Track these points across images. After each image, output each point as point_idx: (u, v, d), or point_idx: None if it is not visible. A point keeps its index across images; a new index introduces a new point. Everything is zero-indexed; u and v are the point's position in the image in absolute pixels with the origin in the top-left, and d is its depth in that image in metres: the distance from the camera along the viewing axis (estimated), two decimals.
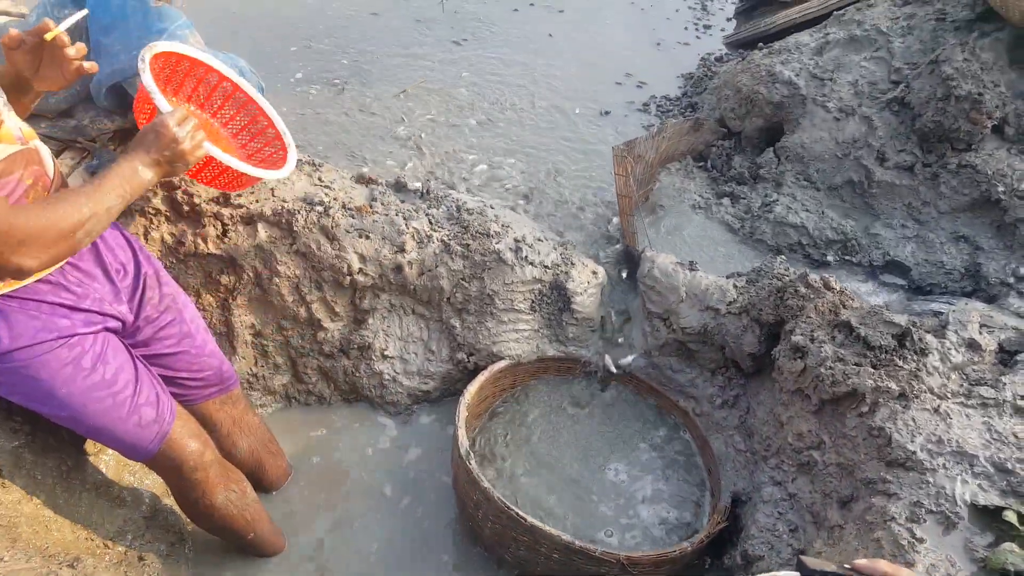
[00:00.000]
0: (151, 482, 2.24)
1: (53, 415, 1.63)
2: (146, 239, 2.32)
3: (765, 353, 2.34)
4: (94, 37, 2.13)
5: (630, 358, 2.67)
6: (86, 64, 1.56)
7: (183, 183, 2.31)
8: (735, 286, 2.48)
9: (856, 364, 1.90)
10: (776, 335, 2.31)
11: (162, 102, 1.74)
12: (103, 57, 2.11)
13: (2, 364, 1.55)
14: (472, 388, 2.46)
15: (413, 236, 2.65)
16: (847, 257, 2.95)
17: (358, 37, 4.51)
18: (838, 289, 2.19)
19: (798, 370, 2.07)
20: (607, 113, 4.05)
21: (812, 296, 2.16)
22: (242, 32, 4.32)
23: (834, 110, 3.16)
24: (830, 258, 2.96)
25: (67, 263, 1.63)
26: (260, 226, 2.46)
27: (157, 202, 2.29)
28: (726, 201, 3.26)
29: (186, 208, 2.32)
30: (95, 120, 2.28)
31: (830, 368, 1.93)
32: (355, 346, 2.69)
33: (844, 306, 2.13)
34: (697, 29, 4.85)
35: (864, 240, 2.96)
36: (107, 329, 1.69)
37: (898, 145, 2.99)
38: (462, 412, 2.32)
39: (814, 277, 2.22)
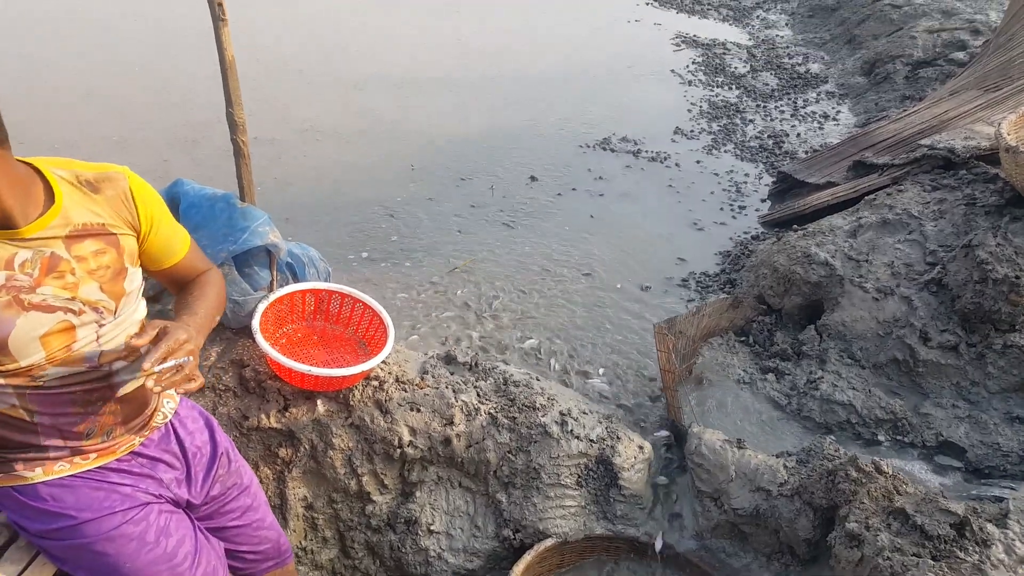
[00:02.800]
0: None
1: None
2: (214, 413, 2.42)
3: (821, 538, 2.29)
4: None
5: (659, 543, 2.60)
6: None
7: (252, 362, 2.45)
8: (785, 466, 2.47)
9: (915, 555, 1.86)
10: (831, 519, 2.27)
11: (263, 344, 2.32)
12: None
13: (70, 539, 1.60)
14: (518, 569, 2.43)
15: (461, 409, 2.72)
16: (899, 437, 2.92)
17: (414, 219, 4.82)
18: (890, 473, 2.17)
19: (855, 559, 2.03)
20: (648, 288, 4.19)
21: (864, 480, 2.14)
22: (312, 221, 4.66)
23: (872, 290, 3.24)
24: (881, 437, 2.93)
25: (139, 450, 1.71)
26: (319, 401, 2.56)
27: (227, 379, 2.41)
28: (771, 377, 3.30)
29: (253, 384, 2.45)
30: None
31: (888, 559, 1.89)
32: (402, 519, 2.69)
33: (898, 491, 2.10)
34: (732, 209, 5.08)
35: (915, 419, 2.94)
36: (171, 501, 1.75)
37: (940, 325, 3.04)
38: None
39: (865, 460, 2.21)
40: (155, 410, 1.76)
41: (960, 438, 2.85)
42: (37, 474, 1.59)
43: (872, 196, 3.88)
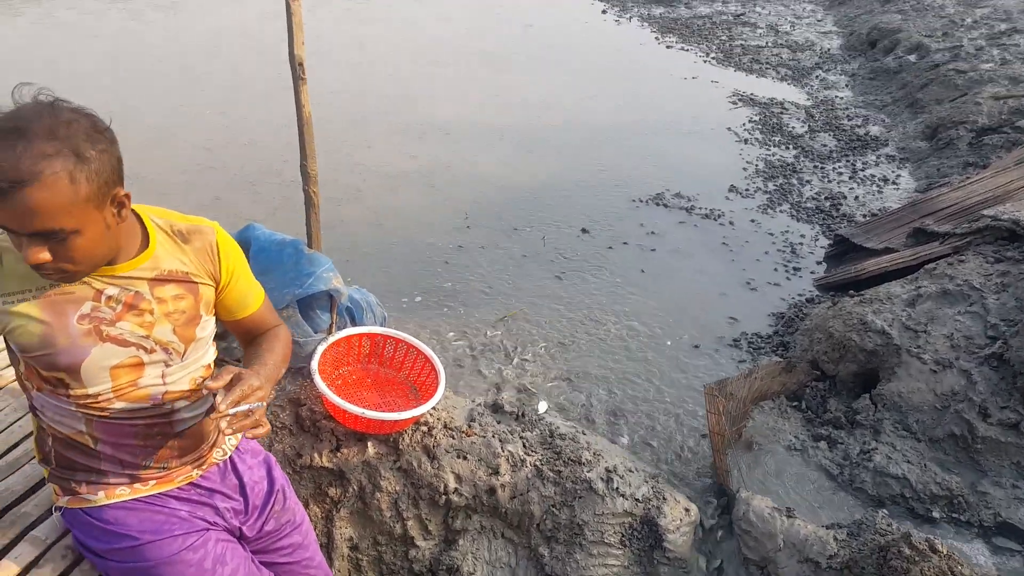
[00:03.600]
0: None
1: None
2: (270, 449, 2.49)
3: None
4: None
5: None
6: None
7: (308, 401, 2.52)
8: (835, 538, 2.42)
9: None
10: None
11: (320, 385, 2.40)
12: None
13: (132, 562, 1.67)
14: None
15: (507, 459, 2.73)
16: (954, 515, 2.84)
17: (467, 266, 4.90)
18: (945, 553, 2.12)
19: None
20: (698, 347, 4.18)
21: (918, 559, 2.09)
22: (369, 263, 4.80)
23: (930, 362, 3.19)
24: (936, 514, 2.85)
25: (197, 481, 1.79)
26: (370, 443, 2.61)
27: (284, 417, 2.48)
28: (823, 445, 3.24)
29: (308, 423, 2.51)
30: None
31: None
32: (444, 566, 2.70)
33: (953, 572, 2.05)
34: (787, 270, 5.04)
35: (972, 498, 2.86)
36: (227, 530, 1.81)
37: (1000, 401, 2.97)
38: None
39: (919, 538, 2.16)
40: (214, 445, 1.83)
41: (1020, 520, 2.76)
42: (100, 497, 1.68)
43: (932, 265, 3.83)
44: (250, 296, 1.80)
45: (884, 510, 2.70)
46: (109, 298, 1.52)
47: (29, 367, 1.57)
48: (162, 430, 1.68)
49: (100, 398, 1.57)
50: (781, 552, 2.48)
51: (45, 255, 1.34)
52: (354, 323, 2.84)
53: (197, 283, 1.64)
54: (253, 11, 11.01)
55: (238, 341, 1.93)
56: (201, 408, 1.76)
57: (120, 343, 1.54)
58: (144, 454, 1.68)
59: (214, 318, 1.73)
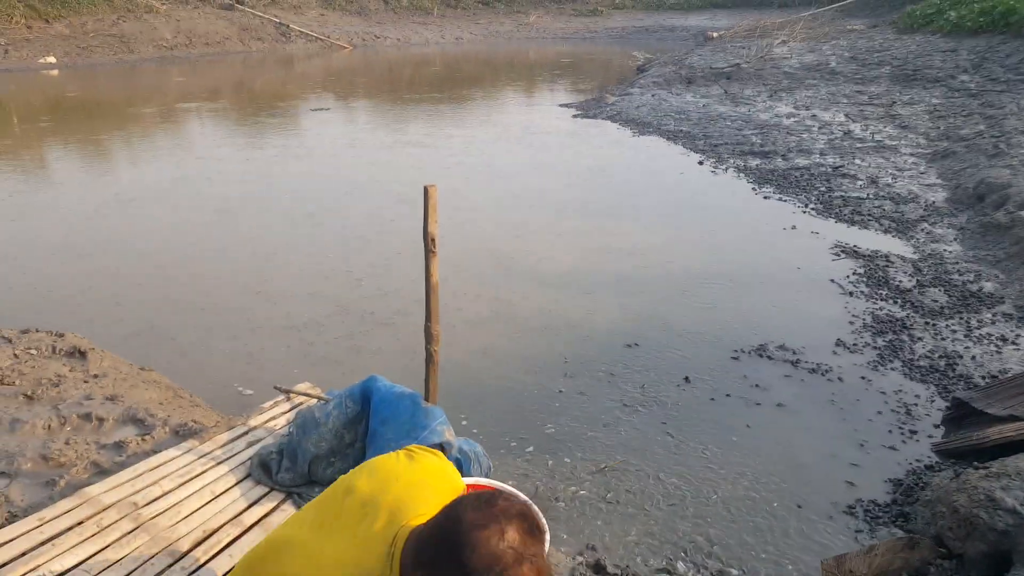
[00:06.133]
0: None
1: None
2: None
3: None
4: (373, 426, 2.59)
5: None
6: None
7: None
8: None
9: None
10: None
11: None
12: (376, 441, 2.53)
13: None
14: None
15: None
16: None
17: (567, 413, 4.91)
18: None
19: None
20: (811, 513, 3.99)
21: None
22: (469, 408, 4.89)
23: None
24: None
25: None
26: None
27: None
28: None
29: None
30: None
31: None
32: None
33: None
34: (903, 433, 4.81)
35: None
36: None
37: None
38: None
39: None
40: None
41: None
42: None
43: None
44: None
45: None
46: None
47: None
48: None
49: None
50: None
51: None
52: (462, 473, 2.88)
53: None
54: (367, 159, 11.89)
55: None
56: None
57: None
58: None
59: None
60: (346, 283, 7.20)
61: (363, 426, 2.59)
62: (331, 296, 6.86)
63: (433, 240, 2.55)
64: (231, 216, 9.26)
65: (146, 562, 2.76)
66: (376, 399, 2.58)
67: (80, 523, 2.88)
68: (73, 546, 2.71)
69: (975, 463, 3.82)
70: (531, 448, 4.50)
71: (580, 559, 3.22)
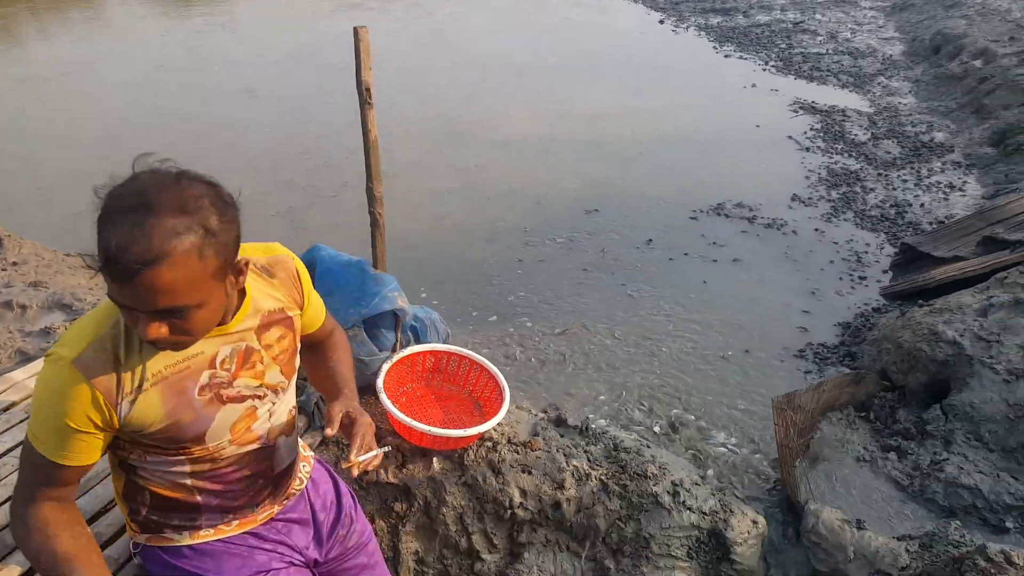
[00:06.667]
0: None
1: None
2: (335, 467, 2.57)
3: None
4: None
5: None
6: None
7: (374, 418, 2.59)
8: (907, 550, 2.38)
9: None
10: None
11: (386, 403, 2.47)
12: None
13: None
14: None
15: (572, 474, 2.75)
16: None
17: (527, 280, 4.96)
18: (1022, 565, 2.06)
19: None
20: (763, 358, 4.14)
21: (993, 571, 2.04)
22: (430, 279, 4.90)
23: (1003, 372, 3.10)
24: (1009, 524, 2.77)
25: (277, 515, 1.78)
26: (435, 459, 2.67)
27: None
28: (892, 456, 3.18)
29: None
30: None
31: None
32: None
33: None
34: (852, 280, 4.95)
35: None
36: (302, 563, 1.81)
37: None
38: None
39: (995, 550, 2.11)
40: (294, 477, 1.81)
41: None
42: (183, 537, 1.65)
43: (1003, 274, 3.73)
44: (321, 309, 1.79)
45: (956, 521, 2.63)
46: (223, 360, 1.47)
47: (140, 442, 1.48)
48: (263, 472, 1.66)
49: (215, 451, 1.53)
50: (851, 564, 2.44)
51: (164, 331, 1.27)
52: (418, 341, 2.90)
53: (291, 316, 1.62)
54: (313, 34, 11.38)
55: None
56: (295, 446, 1.75)
57: (238, 400, 1.52)
58: (245, 498, 1.66)
59: None
60: (288, 157, 6.97)
61: None
62: (271, 170, 6.64)
63: (368, 90, 2.42)
64: (160, 94, 8.74)
65: None
66: (320, 269, 2.54)
67: (6, 409, 2.81)
68: (1, 432, 2.68)
69: (920, 302, 3.96)
70: (494, 317, 4.56)
71: (542, 415, 3.32)
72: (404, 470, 2.66)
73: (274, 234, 5.42)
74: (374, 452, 1.56)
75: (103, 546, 1.90)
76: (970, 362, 3.24)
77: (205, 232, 1.22)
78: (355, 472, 1.53)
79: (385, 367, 2.60)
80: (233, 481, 1.62)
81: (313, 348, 1.89)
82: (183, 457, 1.52)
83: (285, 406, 1.66)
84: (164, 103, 8.42)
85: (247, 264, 1.37)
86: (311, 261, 2.66)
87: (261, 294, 1.55)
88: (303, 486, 1.86)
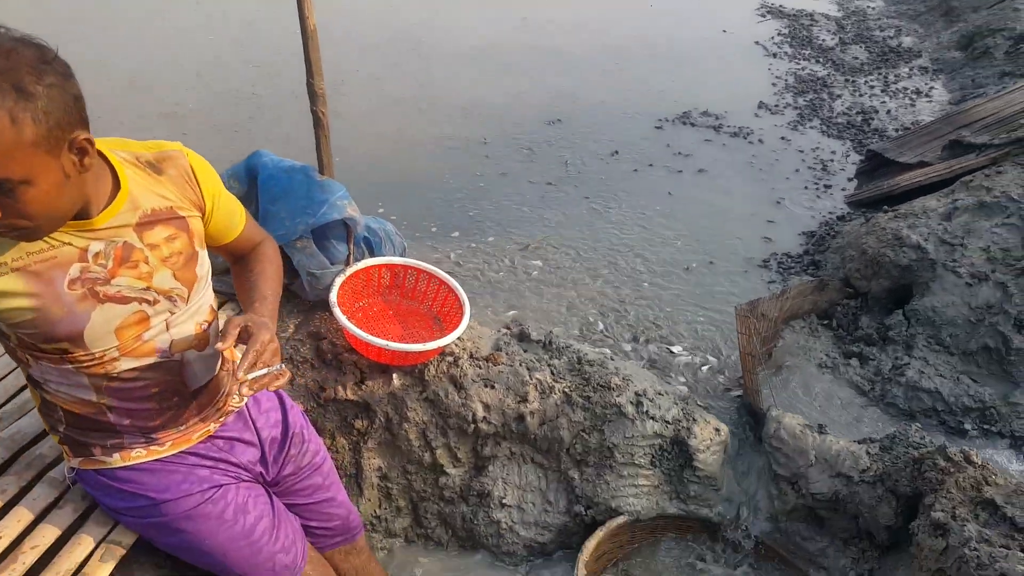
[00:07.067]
0: None
1: (196, 562, 1.72)
2: (292, 385, 2.50)
3: (902, 526, 2.23)
4: (263, 206, 2.42)
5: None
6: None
7: (328, 334, 2.51)
8: (868, 452, 2.40)
9: (1004, 547, 1.79)
10: (914, 507, 2.20)
11: (341, 318, 2.35)
12: (270, 223, 2.39)
13: (152, 517, 1.64)
14: (590, 545, 2.44)
15: (536, 387, 2.72)
16: (986, 426, 2.81)
17: (488, 194, 4.84)
18: (980, 463, 2.09)
19: (939, 549, 1.96)
20: (727, 269, 4.11)
21: (952, 470, 2.06)
22: (387, 194, 4.72)
23: (966, 275, 3.10)
24: (968, 426, 2.82)
25: (215, 433, 1.73)
26: (395, 375, 2.61)
27: (304, 351, 2.48)
28: (854, 362, 3.20)
29: (330, 357, 2.51)
30: None
31: (975, 550, 1.82)
32: (475, 492, 2.73)
33: (988, 482, 2.02)
34: (817, 188, 4.91)
35: (1004, 409, 2.81)
36: (251, 479, 1.78)
37: None
38: (580, 571, 2.29)
39: (954, 450, 2.13)
40: (228, 395, 1.76)
41: None
42: (115, 459, 1.60)
43: (968, 177, 3.70)
44: (235, 216, 1.67)
45: (916, 423, 2.67)
46: (96, 255, 1.37)
47: (24, 342, 1.43)
48: (176, 390, 1.60)
49: (105, 359, 1.46)
50: (812, 468, 2.46)
51: None
52: (372, 254, 2.79)
53: (185, 217, 1.51)
54: None
55: (225, 259, 1.82)
56: (213, 363, 1.67)
57: (120, 301, 1.42)
58: (161, 417, 1.60)
59: (207, 251, 1.61)
60: (234, 68, 6.63)
61: (253, 208, 2.42)
62: (215, 81, 6.30)
63: None
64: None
65: None
66: (263, 176, 2.37)
67: None
68: None
69: (885, 208, 3.93)
70: (456, 233, 4.45)
71: (505, 331, 3.27)
72: (363, 387, 2.60)
73: (217, 146, 5.18)
74: (266, 370, 1.44)
75: (46, 469, 1.84)
76: (933, 266, 3.23)
77: (17, 94, 1.10)
78: (244, 391, 1.43)
79: (338, 281, 2.50)
80: (142, 398, 1.56)
81: (238, 261, 1.79)
82: (72, 367, 1.45)
83: (190, 317, 1.57)
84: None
85: (91, 142, 1.24)
86: (252, 168, 2.51)
87: (142, 190, 1.43)
88: (242, 404, 1.80)
